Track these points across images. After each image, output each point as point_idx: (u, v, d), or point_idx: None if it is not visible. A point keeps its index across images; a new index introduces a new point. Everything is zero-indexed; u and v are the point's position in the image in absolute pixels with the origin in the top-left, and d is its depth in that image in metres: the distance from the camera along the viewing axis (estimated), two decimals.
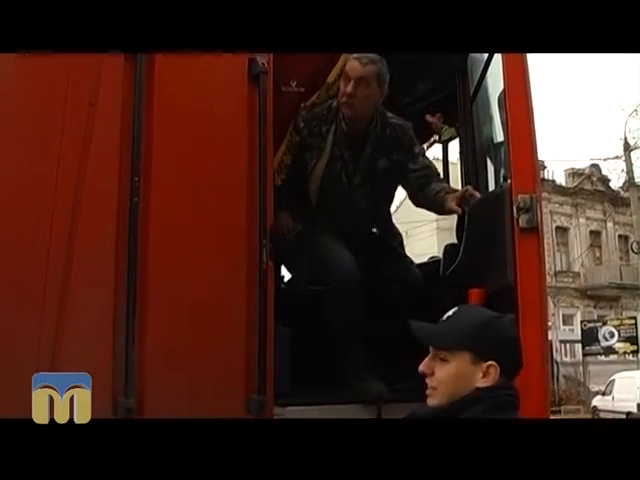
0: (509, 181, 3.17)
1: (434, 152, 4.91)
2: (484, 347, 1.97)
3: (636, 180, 29.30)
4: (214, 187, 2.98)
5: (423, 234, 24.51)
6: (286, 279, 4.00)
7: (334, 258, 3.55)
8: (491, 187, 3.88)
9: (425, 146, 4.73)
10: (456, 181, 4.23)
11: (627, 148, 28.26)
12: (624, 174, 29.34)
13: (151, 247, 2.80)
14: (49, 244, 2.70)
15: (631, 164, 28.59)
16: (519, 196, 3.05)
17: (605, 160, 32.11)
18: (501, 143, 3.65)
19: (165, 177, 2.90)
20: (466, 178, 4.13)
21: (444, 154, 4.63)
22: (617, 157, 29.48)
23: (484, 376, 1.94)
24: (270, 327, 2.93)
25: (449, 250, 3.80)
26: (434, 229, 24.42)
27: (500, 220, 3.15)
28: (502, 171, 3.68)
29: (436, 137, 4.54)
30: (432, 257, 4.28)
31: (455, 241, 3.87)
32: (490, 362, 1.94)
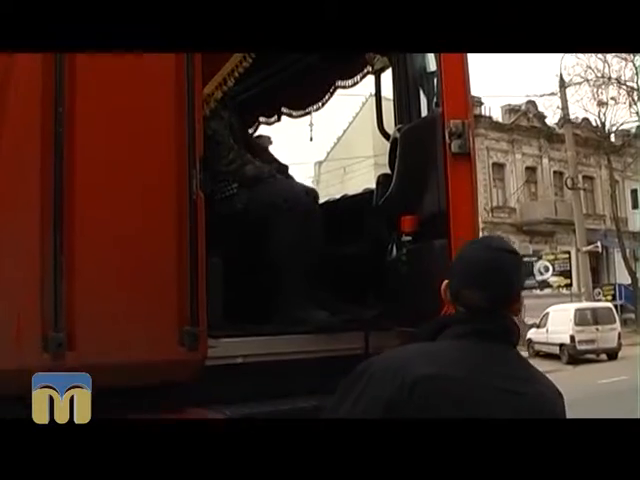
0: (441, 107, 3.17)
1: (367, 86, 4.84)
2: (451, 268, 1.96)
3: (571, 117, 29.81)
4: (142, 117, 2.90)
5: (361, 170, 24.55)
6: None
7: (290, 183, 3.71)
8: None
9: (359, 77, 4.69)
10: (389, 111, 4.18)
11: (562, 85, 28.64)
12: (559, 111, 29.83)
13: (78, 177, 2.71)
14: None
15: (566, 101, 29.05)
16: (451, 121, 3.06)
17: (541, 97, 32.55)
18: (434, 72, 3.62)
19: (91, 106, 2.80)
20: (399, 108, 4.09)
21: (377, 85, 4.57)
22: (553, 94, 29.92)
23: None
24: (202, 257, 2.88)
25: (382, 180, 3.79)
26: (372, 165, 24.40)
27: (432, 146, 3.15)
28: (435, 100, 3.66)
29: (369, 68, 4.48)
30: (366, 188, 4.25)
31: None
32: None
